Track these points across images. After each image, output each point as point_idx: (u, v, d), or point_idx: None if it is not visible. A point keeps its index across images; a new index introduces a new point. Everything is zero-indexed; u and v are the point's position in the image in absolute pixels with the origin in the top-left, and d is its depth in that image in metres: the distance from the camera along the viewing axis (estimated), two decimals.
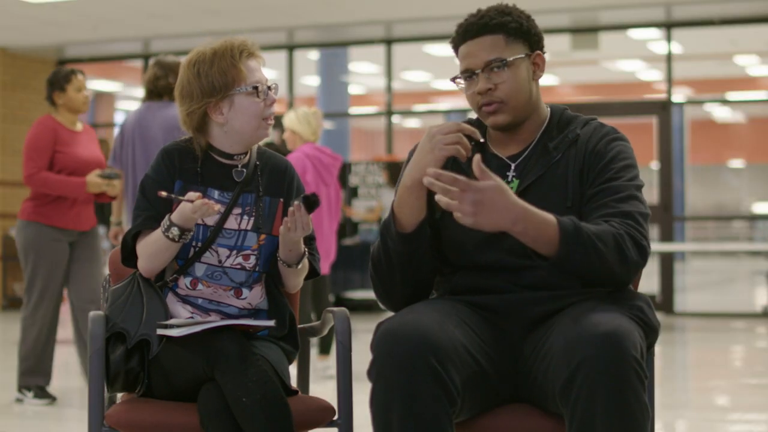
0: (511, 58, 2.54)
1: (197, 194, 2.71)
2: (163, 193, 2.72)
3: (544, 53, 2.62)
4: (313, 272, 2.92)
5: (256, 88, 2.79)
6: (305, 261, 2.86)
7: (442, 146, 2.45)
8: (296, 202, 2.69)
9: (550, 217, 2.35)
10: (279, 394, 2.59)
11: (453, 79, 2.61)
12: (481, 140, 2.51)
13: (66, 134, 5.87)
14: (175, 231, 2.71)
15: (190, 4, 10.81)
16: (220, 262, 2.80)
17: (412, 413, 2.29)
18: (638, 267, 2.42)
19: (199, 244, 2.79)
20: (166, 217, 2.74)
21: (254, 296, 2.84)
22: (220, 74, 2.76)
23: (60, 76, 5.90)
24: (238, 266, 2.81)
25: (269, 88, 2.82)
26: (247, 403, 2.54)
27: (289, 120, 6.78)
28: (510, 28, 2.55)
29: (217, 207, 2.71)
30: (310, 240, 2.90)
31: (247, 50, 2.80)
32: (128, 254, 2.83)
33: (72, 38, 12.65)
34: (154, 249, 2.76)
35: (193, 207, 2.68)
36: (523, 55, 2.56)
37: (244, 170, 2.86)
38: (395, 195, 2.56)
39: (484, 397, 2.46)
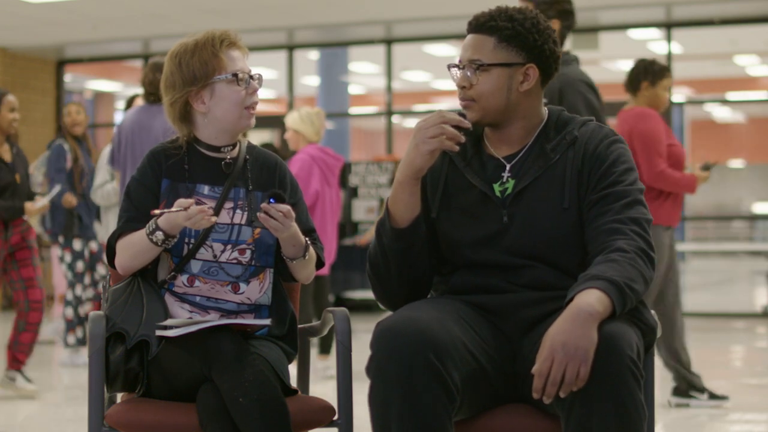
0: (488, 62, 2.54)
1: (190, 201, 2.71)
2: (156, 211, 2.73)
3: (551, 69, 2.59)
4: (318, 262, 2.92)
5: (236, 75, 2.80)
6: (311, 251, 2.86)
7: (425, 140, 2.45)
8: (264, 204, 2.69)
9: (595, 295, 2.29)
10: (276, 395, 2.59)
11: (449, 66, 2.62)
12: (469, 127, 2.50)
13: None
14: (159, 235, 2.72)
15: (190, 4, 10.82)
16: (215, 257, 2.80)
17: (411, 409, 2.29)
18: (652, 278, 2.45)
19: (193, 241, 2.80)
20: (152, 220, 2.74)
21: (252, 291, 2.84)
22: (200, 64, 2.79)
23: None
24: (234, 261, 2.82)
25: (251, 77, 2.83)
26: (243, 404, 2.54)
27: (292, 120, 6.78)
28: (504, 34, 2.54)
29: (214, 218, 2.71)
30: (310, 231, 2.91)
31: (228, 40, 2.82)
32: (114, 256, 2.84)
33: (72, 38, 12.65)
34: (136, 250, 2.77)
35: (187, 214, 2.67)
36: (506, 63, 2.54)
37: (232, 162, 2.87)
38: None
39: (483, 396, 2.46)
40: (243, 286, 2.83)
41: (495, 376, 2.47)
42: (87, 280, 7.76)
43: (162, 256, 2.81)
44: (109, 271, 2.95)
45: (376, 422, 2.34)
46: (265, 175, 2.90)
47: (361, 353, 2.64)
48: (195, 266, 2.80)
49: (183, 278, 2.81)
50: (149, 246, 2.74)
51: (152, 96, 5.64)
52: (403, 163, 2.51)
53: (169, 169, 2.84)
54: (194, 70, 2.79)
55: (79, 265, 7.68)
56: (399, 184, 2.52)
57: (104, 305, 2.83)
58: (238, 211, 2.84)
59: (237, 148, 2.90)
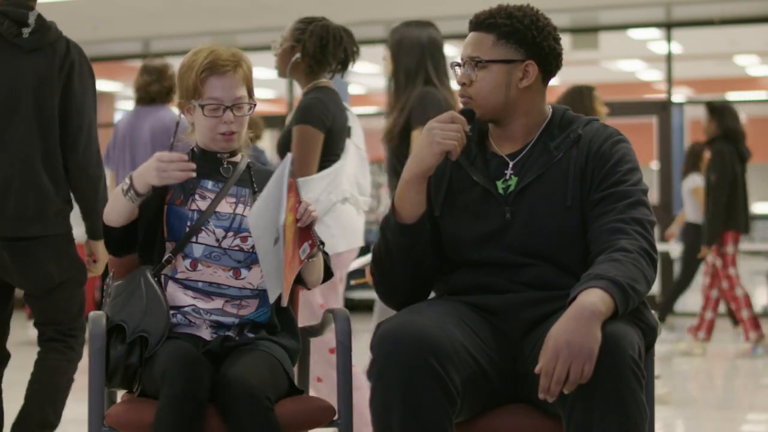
0: (487, 59, 2.55)
1: (185, 161, 2.74)
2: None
3: (551, 66, 2.60)
4: (327, 271, 2.92)
5: (203, 107, 2.84)
6: (319, 256, 2.84)
7: (440, 140, 2.46)
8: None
9: (597, 294, 2.28)
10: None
11: (452, 64, 2.63)
12: (468, 132, 2.52)
13: None
14: (126, 183, 2.77)
15: (190, 4, 10.82)
16: (218, 241, 2.82)
17: (412, 414, 2.29)
18: (654, 279, 2.44)
19: (191, 224, 2.83)
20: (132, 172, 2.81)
21: (254, 276, 2.84)
22: (184, 86, 2.89)
23: None
24: (237, 248, 2.84)
25: (230, 107, 2.84)
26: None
27: None
28: (502, 31, 2.55)
29: (192, 172, 2.73)
30: (319, 243, 2.91)
31: (213, 67, 2.84)
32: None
33: (72, 38, 12.63)
34: (113, 198, 2.82)
35: (156, 165, 2.71)
36: (505, 60, 2.55)
37: (231, 167, 2.91)
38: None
39: (483, 397, 2.46)
40: (244, 272, 2.84)
41: (495, 377, 2.47)
42: None
43: (168, 246, 2.84)
44: (112, 268, 2.95)
45: (378, 426, 2.34)
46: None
47: (361, 353, 2.64)
48: (197, 250, 2.83)
49: (186, 263, 2.82)
50: (120, 195, 2.78)
51: (142, 98, 5.77)
52: (411, 161, 2.50)
53: None
54: (182, 88, 2.90)
55: None
56: (406, 182, 2.52)
57: (107, 300, 2.84)
58: (241, 204, 2.88)
59: (239, 157, 2.95)
